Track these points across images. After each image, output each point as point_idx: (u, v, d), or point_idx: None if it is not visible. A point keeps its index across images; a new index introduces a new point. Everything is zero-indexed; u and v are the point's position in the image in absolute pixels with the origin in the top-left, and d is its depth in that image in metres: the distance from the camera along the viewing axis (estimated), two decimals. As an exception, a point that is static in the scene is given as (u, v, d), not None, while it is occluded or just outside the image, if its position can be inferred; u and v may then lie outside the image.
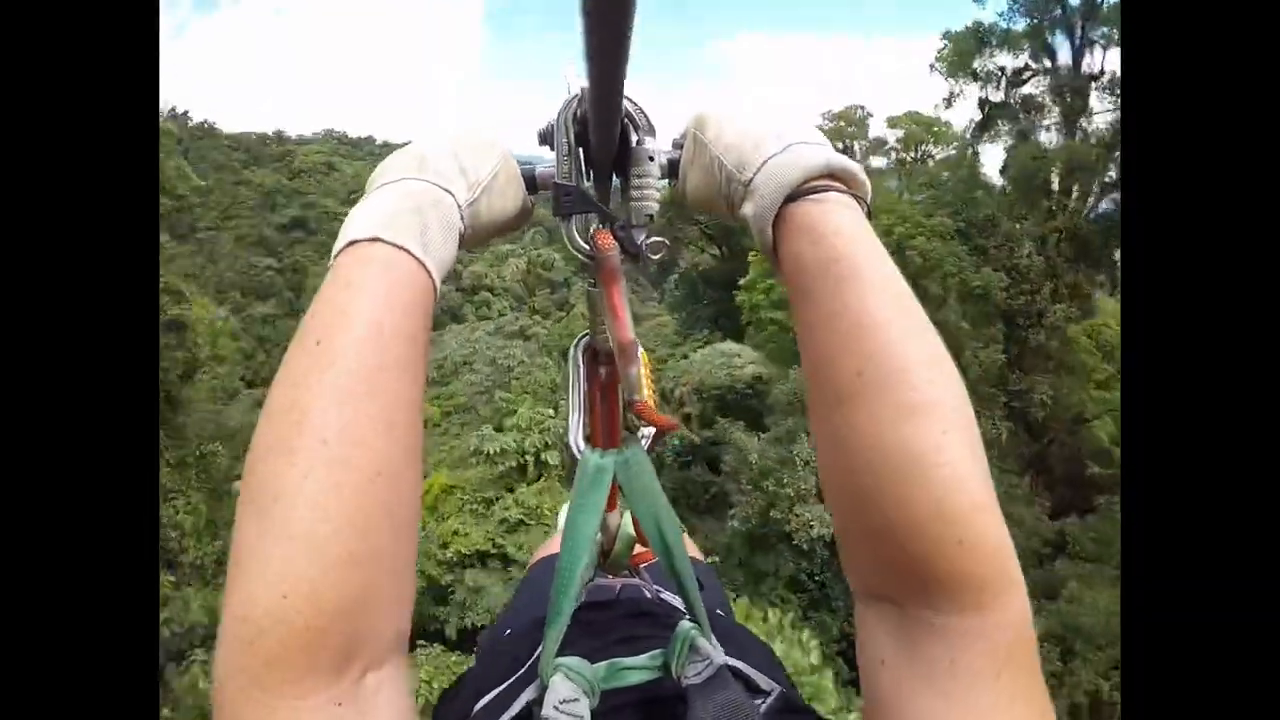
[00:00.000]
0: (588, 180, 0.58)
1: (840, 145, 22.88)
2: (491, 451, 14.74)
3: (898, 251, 14.05)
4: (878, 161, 22.96)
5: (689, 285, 22.69)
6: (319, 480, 0.39)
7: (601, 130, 0.51)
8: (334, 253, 0.48)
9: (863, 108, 23.76)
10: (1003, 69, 17.54)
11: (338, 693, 0.38)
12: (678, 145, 0.60)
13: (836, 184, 0.50)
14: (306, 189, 44.78)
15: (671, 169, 0.59)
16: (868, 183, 0.52)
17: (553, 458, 14.81)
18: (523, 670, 0.60)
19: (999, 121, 17.79)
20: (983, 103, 18.13)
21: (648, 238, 0.59)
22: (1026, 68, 17.41)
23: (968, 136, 18.71)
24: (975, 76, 17.82)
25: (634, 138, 0.57)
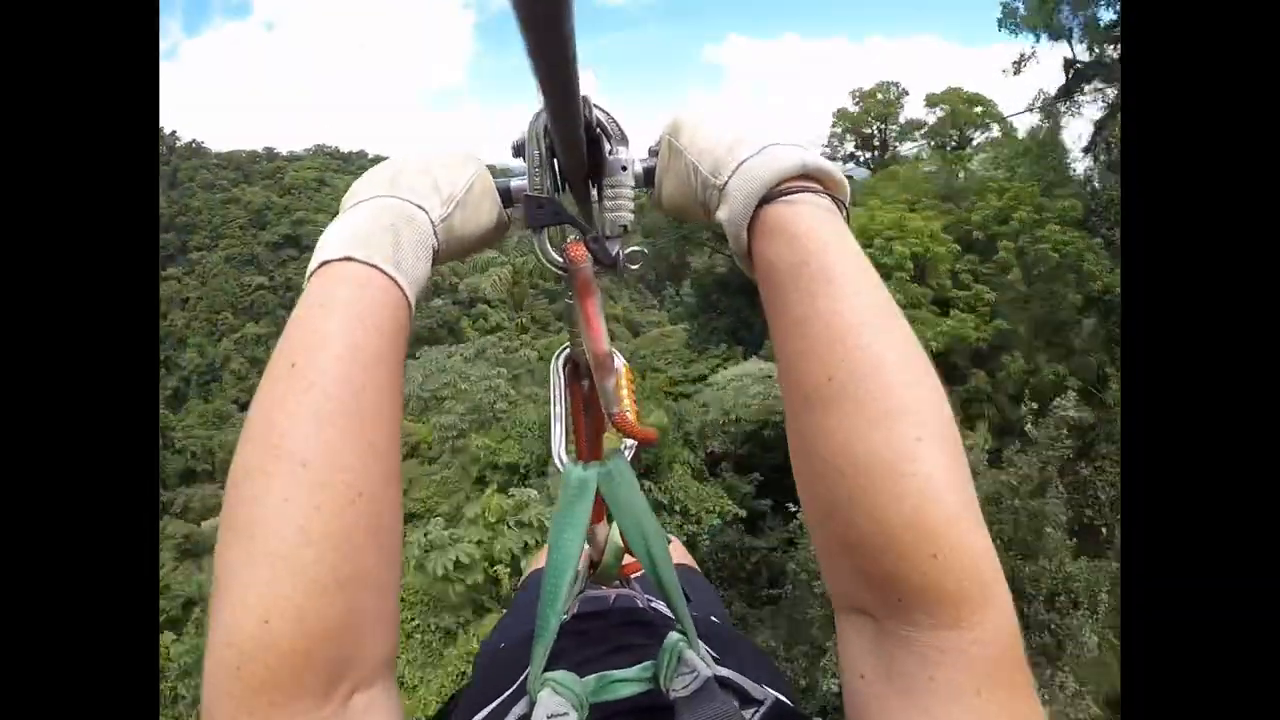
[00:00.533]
0: (562, 191, 0.58)
1: (869, 131, 21.20)
2: (443, 572, 8.91)
3: (1019, 235, 11.77)
4: (909, 147, 21.17)
5: (701, 292, 19.99)
6: (300, 503, 0.40)
7: (566, 142, 0.51)
8: (308, 274, 0.48)
9: (896, 84, 21.66)
10: (1095, 16, 13.54)
11: (326, 715, 0.39)
12: (653, 153, 0.60)
13: (812, 185, 0.50)
14: (297, 206, 45.02)
15: (647, 177, 0.60)
16: (845, 183, 0.52)
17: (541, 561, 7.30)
18: (515, 686, 0.60)
19: (1084, 87, 14.07)
20: (1069, 64, 14.30)
21: (624, 247, 0.59)
22: (1118, 23, 13.33)
23: (1037, 105, 15.40)
24: (1056, 34, 13.98)
25: (606, 147, 0.57)
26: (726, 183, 0.52)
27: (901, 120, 21.58)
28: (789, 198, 0.49)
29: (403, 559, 0.48)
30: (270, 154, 53.14)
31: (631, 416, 0.64)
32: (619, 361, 0.65)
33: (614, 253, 0.58)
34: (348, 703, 0.41)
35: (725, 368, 15.02)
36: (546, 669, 0.55)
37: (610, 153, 0.57)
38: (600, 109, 0.56)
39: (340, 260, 0.47)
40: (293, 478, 0.40)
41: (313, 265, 0.48)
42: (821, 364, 0.45)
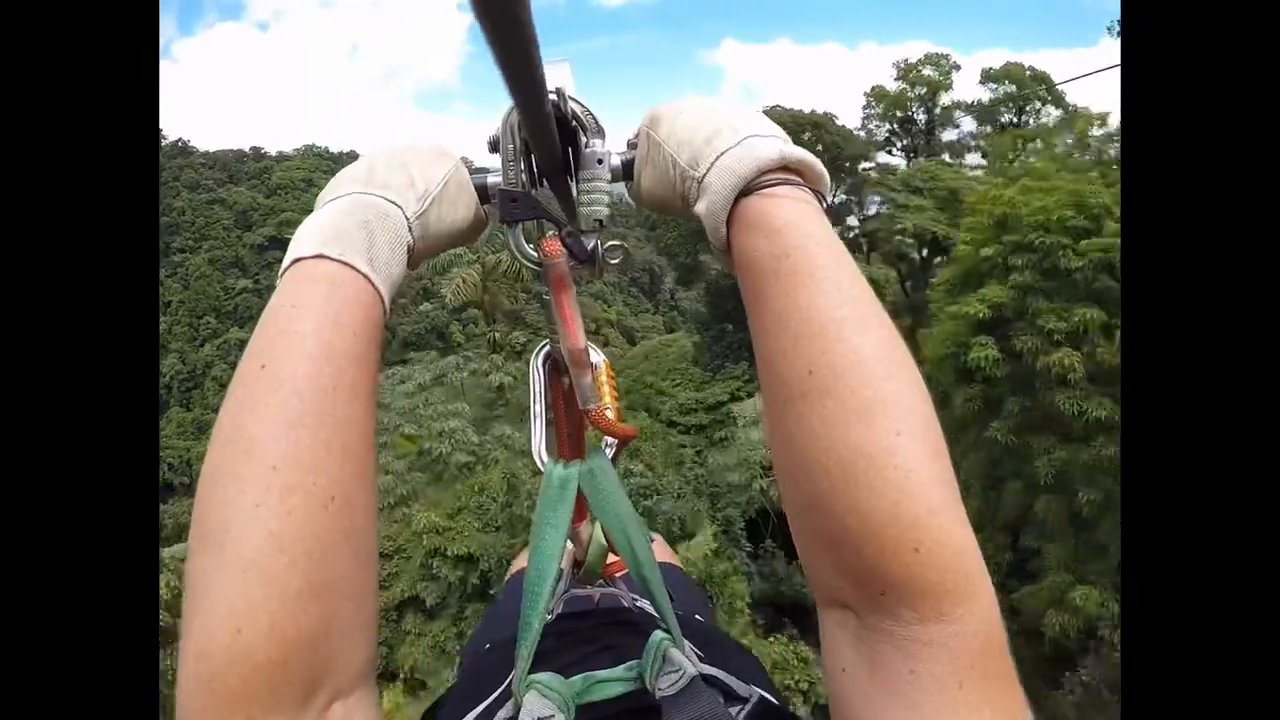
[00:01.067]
0: (540, 186, 0.59)
1: (909, 112, 19.58)
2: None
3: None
4: (949, 134, 19.37)
5: (714, 298, 17.44)
6: (270, 508, 0.40)
7: (535, 135, 0.52)
8: (280, 271, 0.48)
9: (947, 56, 19.57)
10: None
11: None
12: (632, 145, 0.60)
13: (792, 177, 0.51)
14: (284, 206, 44.85)
15: (626, 170, 0.60)
16: (826, 175, 0.53)
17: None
18: (501, 689, 0.61)
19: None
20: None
21: (604, 243, 0.59)
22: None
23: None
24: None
25: (582, 140, 0.57)
26: (705, 175, 0.52)
27: (944, 101, 19.54)
28: (768, 190, 0.50)
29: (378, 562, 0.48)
30: (258, 154, 53.00)
31: (612, 414, 0.64)
32: (597, 357, 0.66)
33: (590, 247, 0.58)
34: (326, 713, 0.41)
35: (749, 391, 13.01)
36: (532, 670, 0.55)
37: (586, 145, 0.57)
38: (577, 101, 0.56)
39: (313, 258, 0.47)
40: (263, 482, 0.40)
41: (286, 262, 0.48)
42: (802, 357, 0.45)
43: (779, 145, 0.51)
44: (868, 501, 0.41)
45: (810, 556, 0.47)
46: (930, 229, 15.81)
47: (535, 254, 0.58)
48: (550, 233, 0.58)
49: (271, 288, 0.48)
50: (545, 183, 0.60)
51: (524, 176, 0.57)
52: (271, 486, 0.40)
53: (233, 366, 0.46)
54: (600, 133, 0.57)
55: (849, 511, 0.42)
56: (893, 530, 0.40)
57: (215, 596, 0.39)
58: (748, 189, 0.50)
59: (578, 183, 0.58)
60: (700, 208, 0.53)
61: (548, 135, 0.51)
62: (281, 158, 52.68)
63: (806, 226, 0.48)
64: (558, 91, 0.54)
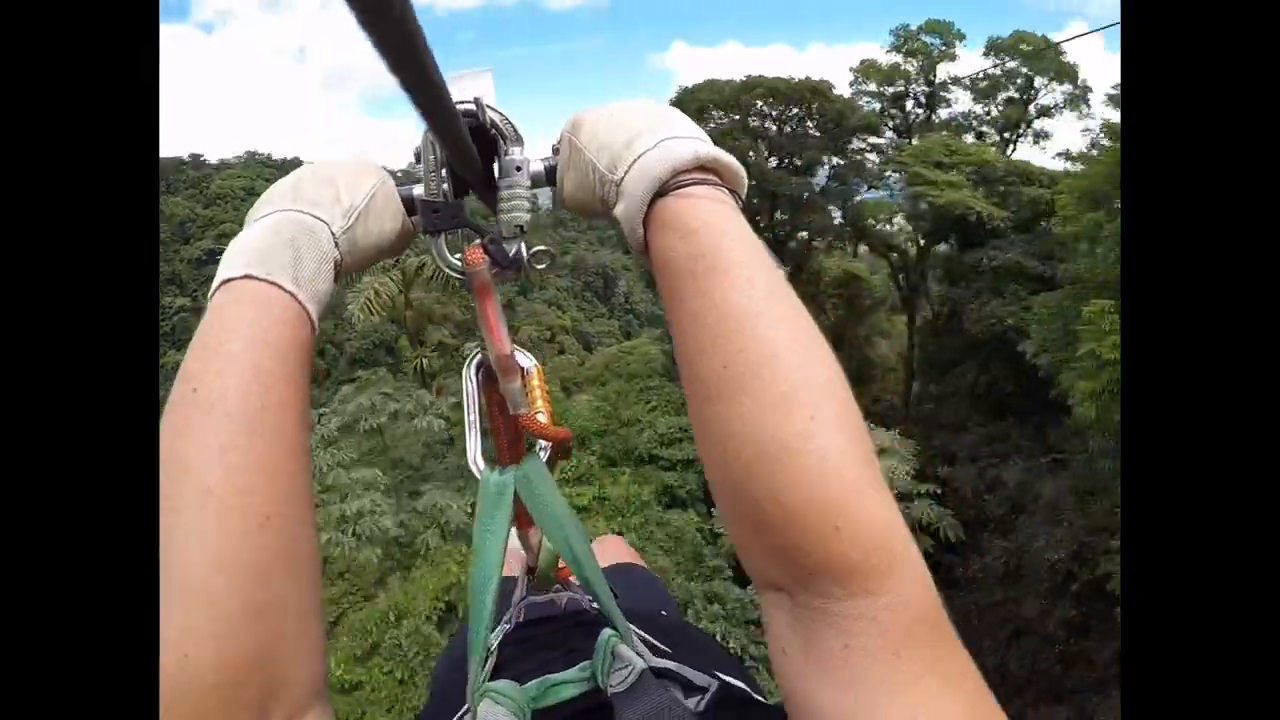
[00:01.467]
0: (465, 196, 0.61)
1: (905, 86, 17.81)
2: None
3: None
4: (943, 112, 18.08)
5: None
6: (207, 531, 0.41)
7: (447, 145, 0.53)
8: (210, 292, 0.49)
9: (950, 24, 17.93)
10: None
11: None
12: (556, 151, 0.62)
13: (709, 177, 0.52)
14: (223, 217, 43.41)
15: (549, 175, 0.62)
16: (742, 173, 0.54)
17: None
18: (466, 705, 0.61)
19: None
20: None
21: (529, 248, 0.61)
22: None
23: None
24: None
25: (502, 148, 0.59)
26: (623, 178, 0.54)
27: (936, 79, 18.07)
28: (684, 190, 0.51)
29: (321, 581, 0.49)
30: (197, 161, 51.21)
31: (544, 418, 0.66)
32: (527, 362, 0.68)
33: (513, 253, 0.60)
34: None
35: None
36: (493, 678, 0.57)
37: (505, 153, 0.59)
38: (495, 110, 0.58)
39: (240, 278, 0.48)
40: (199, 504, 0.41)
41: (215, 283, 0.49)
42: (718, 354, 0.47)
43: (694, 146, 0.52)
44: (786, 487, 0.43)
45: (743, 544, 0.48)
46: (973, 207, 14.37)
47: (459, 263, 0.59)
48: (474, 241, 0.60)
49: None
50: (474, 194, 0.61)
51: (446, 186, 0.58)
52: (207, 509, 0.41)
53: (169, 392, 0.46)
54: (519, 140, 0.59)
55: (768, 498, 0.43)
56: (812, 513, 0.42)
57: (162, 621, 0.39)
58: (664, 190, 0.51)
59: (498, 190, 0.60)
60: (618, 210, 0.54)
61: (460, 145, 0.52)
62: (222, 165, 51.03)
63: (720, 225, 0.50)
64: (476, 101, 0.56)
